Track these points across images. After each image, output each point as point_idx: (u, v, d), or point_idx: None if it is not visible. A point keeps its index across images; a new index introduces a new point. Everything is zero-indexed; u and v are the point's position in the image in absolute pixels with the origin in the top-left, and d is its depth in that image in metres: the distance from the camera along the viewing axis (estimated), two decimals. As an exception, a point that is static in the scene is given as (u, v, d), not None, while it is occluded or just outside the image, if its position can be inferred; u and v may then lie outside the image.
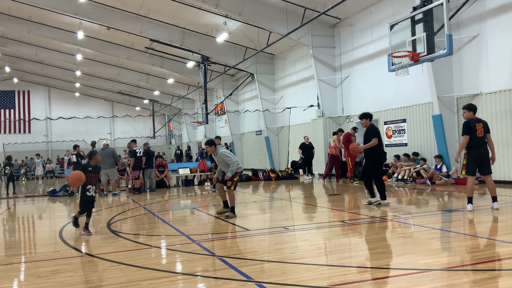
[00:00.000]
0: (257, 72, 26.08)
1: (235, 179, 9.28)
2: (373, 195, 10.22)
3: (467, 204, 8.75)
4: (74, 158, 16.47)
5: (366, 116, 10.11)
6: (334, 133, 17.78)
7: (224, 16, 20.58)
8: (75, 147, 17.04)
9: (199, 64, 27.55)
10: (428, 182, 14.16)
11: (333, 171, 17.59)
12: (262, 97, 26.12)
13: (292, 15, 18.68)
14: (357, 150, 10.49)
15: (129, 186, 17.08)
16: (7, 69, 38.20)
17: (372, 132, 9.90)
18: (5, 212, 12.75)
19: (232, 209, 9.43)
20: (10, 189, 17.66)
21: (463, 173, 8.83)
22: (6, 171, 17.95)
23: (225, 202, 9.66)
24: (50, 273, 5.54)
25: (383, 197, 10.01)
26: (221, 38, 22.06)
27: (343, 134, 16.88)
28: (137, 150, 16.75)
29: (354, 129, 16.47)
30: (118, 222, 9.59)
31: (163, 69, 31.27)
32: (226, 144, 31.11)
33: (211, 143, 9.47)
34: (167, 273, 5.35)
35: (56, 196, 16.59)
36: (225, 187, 9.51)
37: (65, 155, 25.91)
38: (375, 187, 10.16)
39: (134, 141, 17.37)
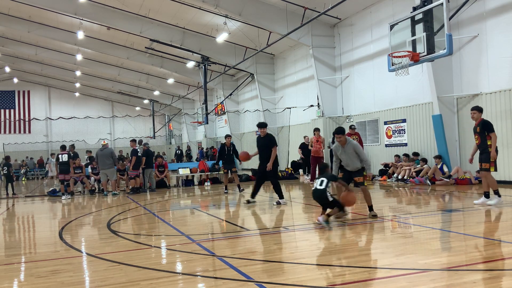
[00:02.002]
0: (257, 72, 26.09)
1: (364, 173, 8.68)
2: (254, 196, 11.42)
3: (497, 197, 9.20)
4: (65, 158, 16.13)
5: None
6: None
7: (224, 16, 20.58)
8: (63, 147, 16.78)
9: (199, 64, 27.56)
10: (428, 182, 14.14)
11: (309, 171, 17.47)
12: (262, 97, 26.12)
13: (292, 15, 18.68)
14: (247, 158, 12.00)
15: (130, 186, 17.06)
16: (7, 69, 38.21)
17: (273, 141, 11.30)
18: (5, 212, 12.75)
19: (371, 208, 8.51)
20: (10, 190, 17.66)
21: (492, 169, 9.06)
22: (5, 172, 17.96)
23: (339, 205, 8.06)
24: (50, 273, 5.54)
25: (281, 196, 11.08)
26: (221, 38, 22.06)
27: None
28: (137, 150, 16.76)
29: (352, 127, 16.53)
30: (118, 222, 9.59)
31: (163, 69, 31.27)
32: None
33: (343, 131, 8.39)
34: (167, 273, 5.35)
35: (56, 196, 16.59)
36: (342, 189, 8.42)
37: (49, 157, 24.99)
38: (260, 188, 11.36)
39: (134, 140, 17.35)
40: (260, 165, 11.22)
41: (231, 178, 16.05)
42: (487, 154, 9.19)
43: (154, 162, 18.30)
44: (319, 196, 7.99)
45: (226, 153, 14.60)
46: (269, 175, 11.12)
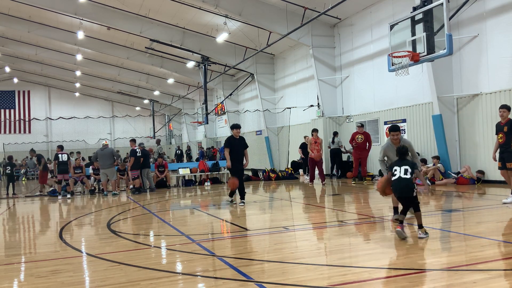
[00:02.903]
0: (257, 72, 26.09)
1: None
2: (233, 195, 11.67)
3: None
4: (64, 157, 16.17)
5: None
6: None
7: (224, 16, 20.58)
8: (61, 147, 16.79)
9: (199, 64, 27.56)
10: (428, 182, 14.12)
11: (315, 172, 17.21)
12: (262, 97, 26.12)
13: (292, 15, 18.68)
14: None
15: (130, 186, 17.07)
16: (7, 69, 38.20)
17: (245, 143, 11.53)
18: (5, 212, 12.75)
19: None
20: (10, 189, 17.65)
21: None
22: (7, 171, 17.96)
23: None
24: (50, 273, 5.54)
25: (243, 197, 11.45)
26: (221, 38, 22.06)
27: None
28: (136, 150, 16.76)
29: (359, 125, 16.43)
30: (118, 222, 9.59)
31: (163, 69, 31.28)
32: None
33: (399, 128, 7.70)
34: (167, 273, 5.35)
35: (56, 196, 16.58)
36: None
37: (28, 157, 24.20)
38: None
39: (133, 140, 17.35)
40: (238, 165, 11.34)
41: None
42: (509, 154, 9.18)
43: (154, 161, 18.29)
44: (404, 188, 6.60)
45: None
46: (241, 175, 11.55)
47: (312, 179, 16.40)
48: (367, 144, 16.02)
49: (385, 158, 7.80)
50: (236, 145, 11.29)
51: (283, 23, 18.76)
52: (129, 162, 16.77)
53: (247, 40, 22.61)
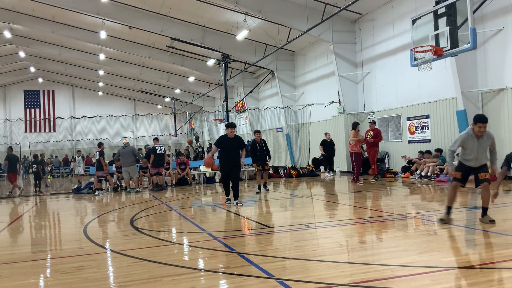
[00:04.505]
0: (277, 69, 26.03)
1: None
2: (228, 194, 11.37)
3: None
4: (97, 156, 16.85)
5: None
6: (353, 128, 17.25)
7: (244, 14, 20.58)
8: (100, 144, 17.40)
9: (219, 62, 27.62)
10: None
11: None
12: (283, 94, 26.06)
13: (312, 11, 18.56)
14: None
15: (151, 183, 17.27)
16: (32, 69, 39.03)
17: (243, 142, 11.23)
18: (31, 210, 13.04)
19: (486, 211, 7.31)
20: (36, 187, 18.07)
21: None
22: (33, 169, 18.36)
23: (449, 208, 7.41)
24: (75, 269, 5.64)
25: (237, 197, 11.00)
26: (241, 35, 22.07)
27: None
28: (157, 148, 16.93)
29: (373, 122, 16.24)
30: (141, 219, 9.71)
31: (184, 67, 31.48)
32: (248, 141, 31.20)
33: (487, 120, 7.11)
34: (189, 269, 5.39)
35: (80, 193, 16.88)
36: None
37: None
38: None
39: (156, 139, 17.64)
40: (227, 165, 10.97)
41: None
42: None
43: (176, 159, 18.44)
44: None
45: (258, 150, 13.93)
46: (235, 175, 11.03)
47: (357, 177, 15.43)
48: (377, 139, 15.67)
49: (459, 148, 7.24)
50: (229, 145, 10.90)
51: (303, 19, 18.66)
52: (149, 160, 16.95)
53: (267, 37, 22.57)
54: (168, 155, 20.73)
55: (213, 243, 6.74)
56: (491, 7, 13.36)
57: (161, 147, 17.19)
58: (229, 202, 11.31)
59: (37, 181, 18.34)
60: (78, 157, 23.98)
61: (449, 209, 7.37)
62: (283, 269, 5.17)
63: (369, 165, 16.53)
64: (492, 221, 7.07)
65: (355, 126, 15.78)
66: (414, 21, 12.03)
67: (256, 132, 14.31)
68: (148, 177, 17.89)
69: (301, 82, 25.73)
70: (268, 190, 14.12)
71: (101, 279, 5.18)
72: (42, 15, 25.46)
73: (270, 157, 14.22)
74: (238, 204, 10.83)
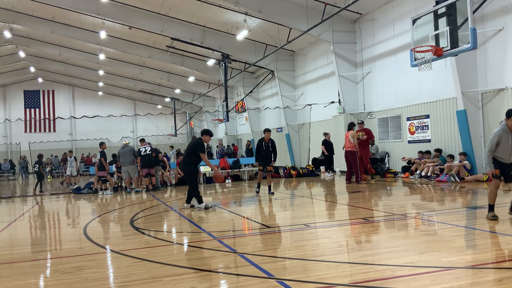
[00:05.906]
0: (277, 69, 26.03)
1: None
2: (189, 201, 11.15)
3: None
4: (98, 156, 17.02)
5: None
6: (349, 129, 16.98)
7: (244, 14, 20.57)
8: (101, 144, 17.51)
9: (219, 62, 27.62)
10: (455, 178, 13.82)
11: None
12: (283, 94, 26.06)
13: (312, 11, 18.56)
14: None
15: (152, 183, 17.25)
16: (32, 69, 39.01)
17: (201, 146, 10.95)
18: (31, 210, 13.04)
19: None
20: (38, 187, 18.04)
21: None
22: (35, 169, 18.35)
23: (491, 206, 7.47)
24: (75, 269, 5.64)
25: (200, 201, 10.74)
26: (241, 35, 22.07)
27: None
28: (141, 149, 16.84)
29: (362, 122, 16.34)
30: (140, 219, 9.71)
31: (184, 67, 31.49)
32: (248, 141, 31.23)
33: None
34: (189, 269, 5.39)
35: (80, 193, 16.88)
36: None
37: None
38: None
39: (142, 140, 18.02)
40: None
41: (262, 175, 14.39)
42: None
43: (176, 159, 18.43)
44: None
45: (264, 149, 13.23)
46: (190, 179, 11.05)
47: (360, 176, 15.37)
48: (369, 140, 16.03)
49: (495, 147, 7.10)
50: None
51: (303, 19, 18.66)
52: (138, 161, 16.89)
53: (267, 37, 22.56)
54: (166, 156, 20.74)
55: (213, 243, 6.74)
56: (491, 7, 13.35)
57: (147, 148, 16.90)
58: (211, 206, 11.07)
59: (39, 182, 18.29)
60: (70, 157, 23.21)
61: (492, 207, 7.35)
62: (283, 269, 5.17)
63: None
64: None
65: (351, 126, 15.74)
66: (414, 21, 12.03)
67: (266, 131, 13.43)
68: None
69: (301, 82, 25.73)
70: (272, 193, 13.19)
71: (101, 279, 5.18)
72: (42, 15, 25.46)
73: (274, 160, 13.43)
74: (211, 207, 10.79)
